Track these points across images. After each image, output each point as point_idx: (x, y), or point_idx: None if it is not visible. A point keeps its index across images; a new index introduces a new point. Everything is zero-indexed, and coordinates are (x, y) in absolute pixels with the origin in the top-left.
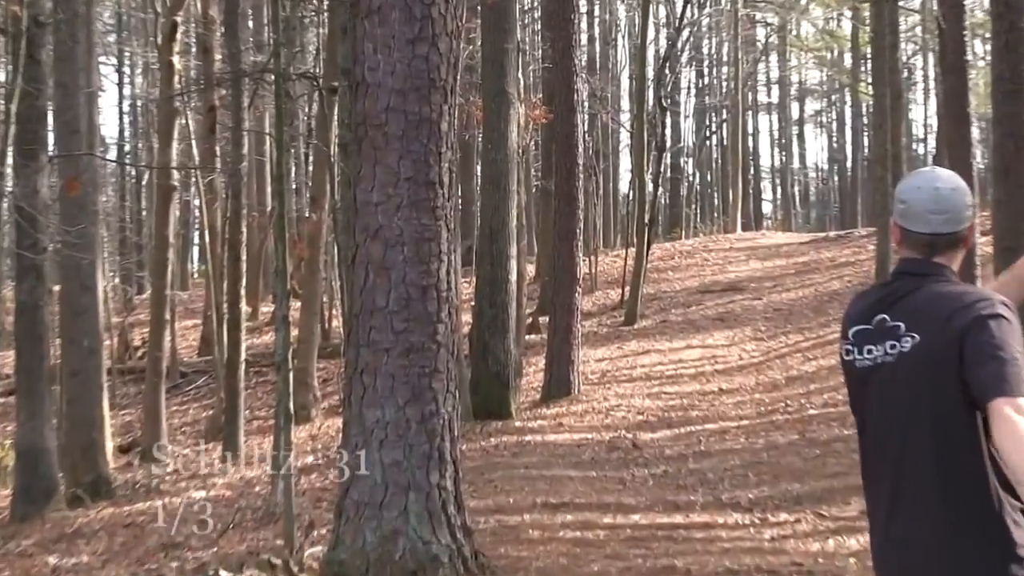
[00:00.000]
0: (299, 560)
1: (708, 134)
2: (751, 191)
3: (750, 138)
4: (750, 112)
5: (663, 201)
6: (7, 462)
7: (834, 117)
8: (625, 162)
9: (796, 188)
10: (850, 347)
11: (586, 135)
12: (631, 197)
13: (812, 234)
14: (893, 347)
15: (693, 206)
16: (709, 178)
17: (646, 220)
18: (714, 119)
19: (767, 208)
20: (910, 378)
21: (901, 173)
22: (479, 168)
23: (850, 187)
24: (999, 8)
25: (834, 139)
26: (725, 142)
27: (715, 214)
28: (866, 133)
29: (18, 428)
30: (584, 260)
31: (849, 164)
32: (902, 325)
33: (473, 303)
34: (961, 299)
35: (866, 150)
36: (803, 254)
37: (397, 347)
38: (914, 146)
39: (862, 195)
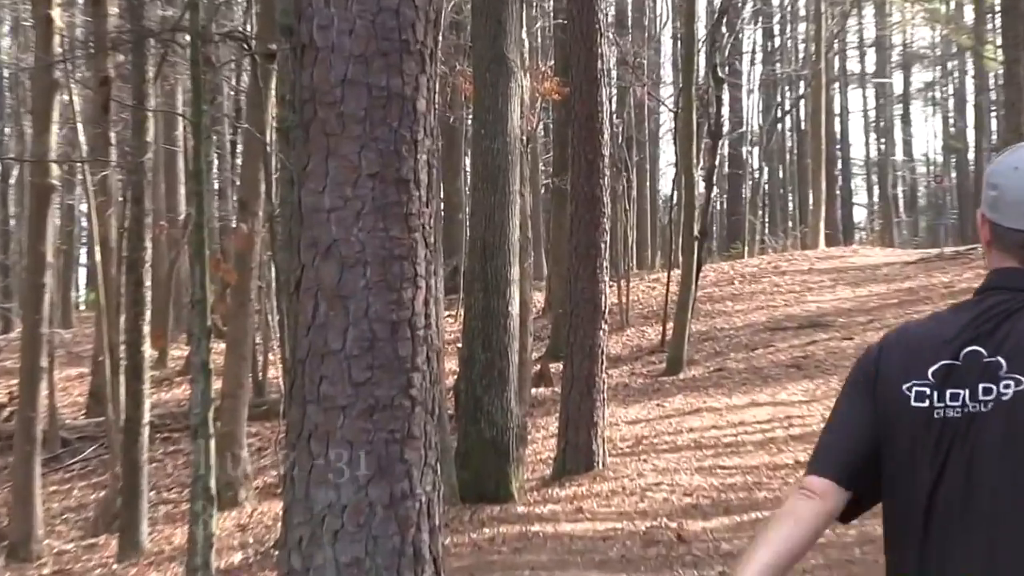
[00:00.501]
0: None
1: (779, 115)
2: (838, 192)
3: (836, 120)
4: (836, 85)
5: (719, 206)
6: None
7: (951, 92)
8: (668, 153)
9: (899, 188)
10: (928, 389)
11: (614, 116)
12: (675, 201)
13: (921, 251)
14: (989, 391)
15: (759, 212)
16: (781, 174)
17: (695, 232)
18: (788, 95)
19: (860, 215)
20: (1011, 437)
21: None
22: (468, 161)
23: (973, 186)
24: None
25: (951, 121)
26: (803, 126)
27: (789, 223)
28: (994, 113)
29: None
30: (611, 286)
31: (971, 155)
32: (1003, 363)
33: (460, 345)
34: None
35: (994, 135)
36: (908, 278)
37: (357, 404)
38: None
39: None
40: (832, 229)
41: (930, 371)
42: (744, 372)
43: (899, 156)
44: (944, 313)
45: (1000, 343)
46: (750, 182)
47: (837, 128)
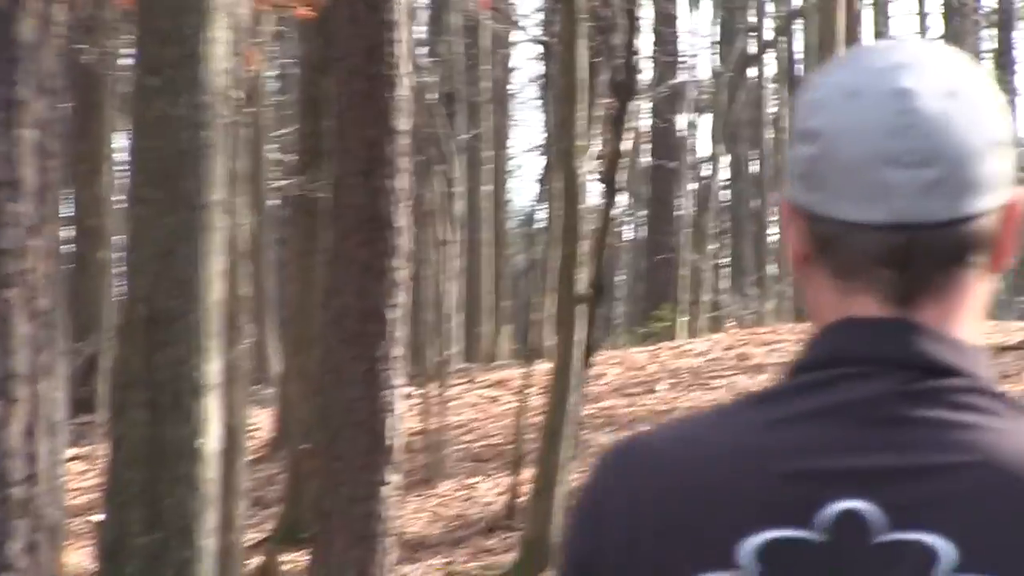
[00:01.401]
0: None
1: (753, 52)
2: None
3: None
4: None
5: (633, 233)
6: None
7: None
8: (532, 127)
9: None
10: None
11: (418, 51)
12: (545, 223)
13: None
14: None
15: (712, 246)
16: (755, 169)
17: (585, 286)
18: (768, 11)
19: None
20: None
21: None
22: (119, 143)
23: None
24: None
25: None
26: (799, 71)
27: (769, 267)
28: None
29: None
30: (411, 396)
31: None
32: (945, 550)
33: (100, 518)
34: None
35: None
36: (1007, 378)
37: None
38: None
39: None
40: None
41: (740, 548)
42: None
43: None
44: (736, 411)
45: (925, 499)
46: (693, 186)
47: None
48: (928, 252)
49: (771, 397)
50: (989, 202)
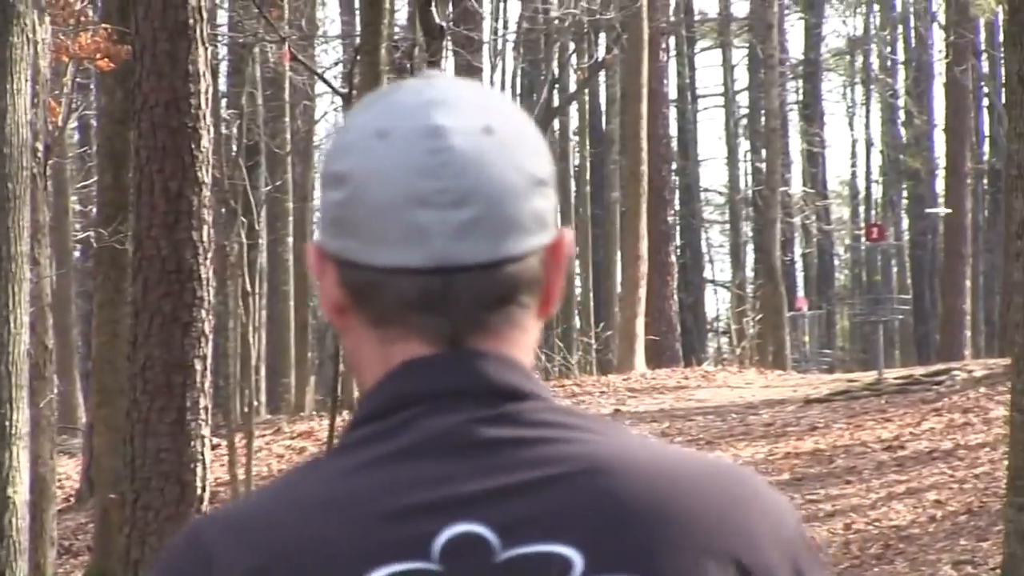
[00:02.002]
0: None
1: (550, 100)
2: (673, 259)
3: (674, 118)
4: (673, 44)
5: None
6: None
7: (899, 56)
8: None
9: (795, 251)
10: None
11: (223, 102)
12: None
13: (838, 377)
14: None
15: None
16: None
17: None
18: (567, 61)
19: (717, 307)
20: None
21: None
22: None
23: (948, 242)
24: None
25: (900, 113)
26: (605, 124)
27: (575, 320)
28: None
29: None
30: (218, 445)
31: (941, 183)
32: (567, 552)
33: None
34: (708, 473)
35: (986, 142)
36: (814, 430)
37: None
38: None
39: None
40: (663, 334)
41: None
42: None
43: (797, 187)
44: (315, 468)
45: (539, 513)
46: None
47: (674, 131)
48: (469, 295)
49: (350, 448)
50: (532, 242)
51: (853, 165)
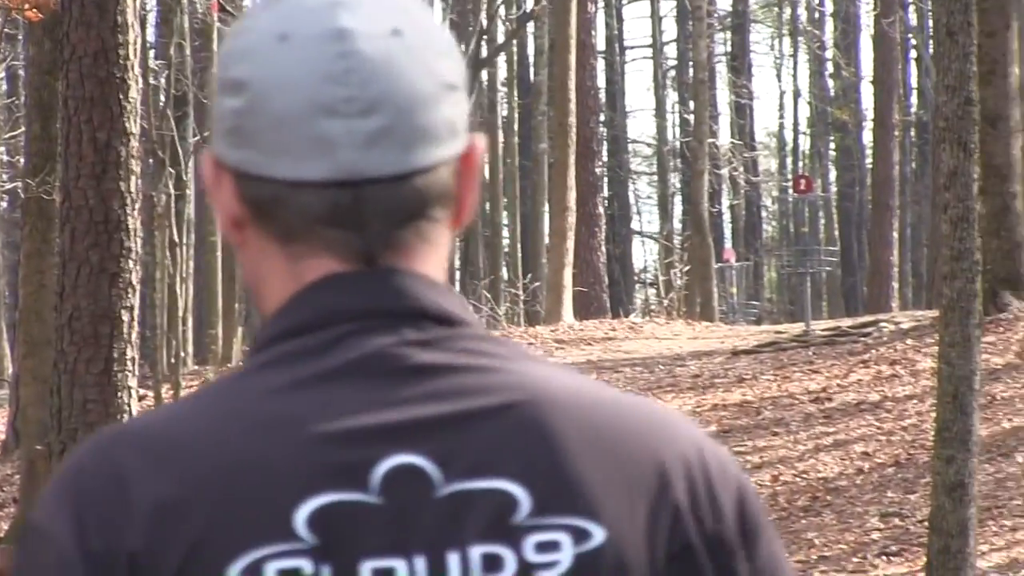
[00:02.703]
0: None
1: (477, 53)
2: (601, 210)
3: (601, 68)
4: None
5: None
6: None
7: (827, 6)
8: None
9: (723, 203)
10: (299, 562)
11: (151, 51)
12: None
13: (766, 329)
14: (497, 564)
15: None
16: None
17: None
18: (496, 12)
19: (646, 258)
20: None
21: None
22: None
23: (875, 196)
24: None
25: (827, 64)
26: (533, 75)
27: (502, 271)
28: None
29: None
30: (150, 397)
31: (868, 135)
32: (519, 494)
33: None
34: (636, 407)
35: (918, 95)
36: (741, 382)
37: None
38: None
39: None
40: (591, 285)
41: (297, 518)
42: None
43: (725, 139)
44: (238, 383)
45: (481, 446)
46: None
47: (602, 82)
48: (381, 209)
49: (276, 363)
50: (444, 152)
51: (781, 117)
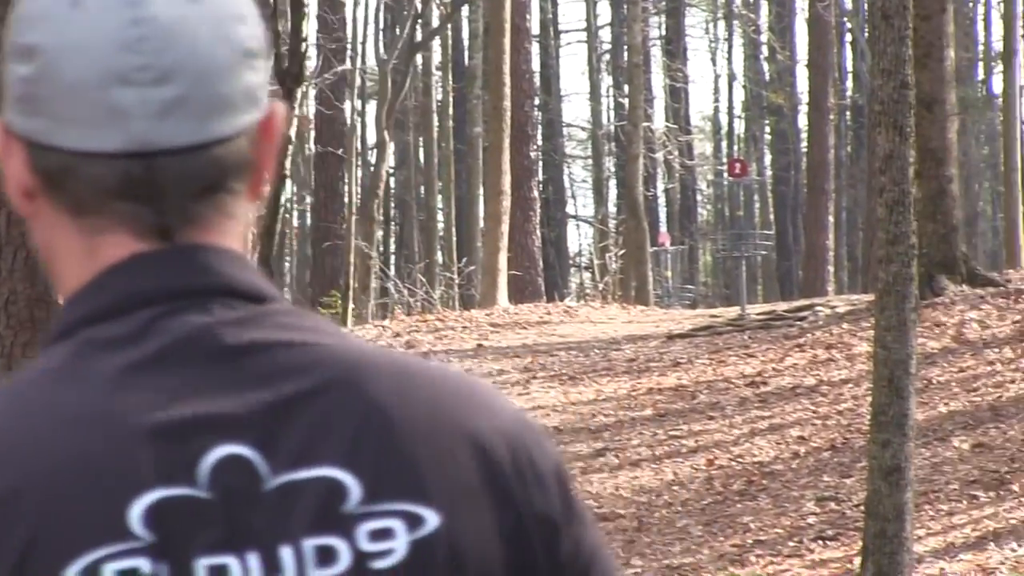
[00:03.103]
0: None
1: (423, 38)
2: (535, 193)
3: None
4: None
5: (304, 216)
6: None
7: None
8: None
9: (658, 186)
10: (136, 561)
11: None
12: None
13: (701, 312)
14: (331, 556)
15: (382, 231)
16: (417, 153)
17: None
18: None
19: (580, 241)
20: None
21: None
22: None
23: (810, 180)
24: None
25: (763, 48)
26: (481, 54)
27: (437, 254)
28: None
29: None
30: None
31: (803, 118)
32: (351, 483)
33: None
34: (471, 395)
35: (853, 76)
36: (676, 366)
37: None
38: None
39: None
40: (526, 269)
41: (131, 516)
42: None
43: (660, 122)
44: (46, 376)
45: (306, 432)
46: (360, 173)
47: (537, 66)
48: (176, 181)
49: (94, 350)
50: (242, 121)
51: (716, 101)
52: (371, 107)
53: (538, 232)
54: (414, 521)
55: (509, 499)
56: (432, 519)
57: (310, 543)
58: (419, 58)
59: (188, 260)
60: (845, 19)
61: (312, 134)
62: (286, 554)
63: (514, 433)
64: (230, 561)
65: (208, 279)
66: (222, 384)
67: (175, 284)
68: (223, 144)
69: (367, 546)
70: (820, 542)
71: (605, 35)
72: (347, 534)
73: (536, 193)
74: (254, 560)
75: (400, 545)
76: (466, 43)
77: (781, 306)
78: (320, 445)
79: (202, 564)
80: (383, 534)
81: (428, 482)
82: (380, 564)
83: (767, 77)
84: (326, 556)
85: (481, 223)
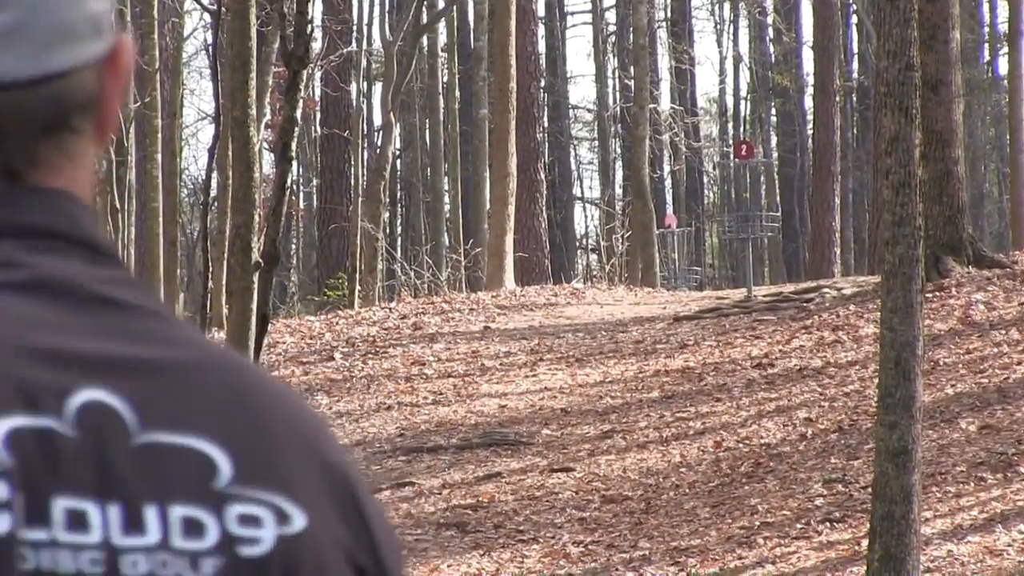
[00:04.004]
0: None
1: (429, 20)
2: (542, 176)
3: (541, 27)
4: None
5: (311, 200)
6: None
7: None
8: (201, 94)
9: (664, 168)
10: None
11: None
12: (213, 192)
13: (708, 295)
14: (197, 528)
15: (387, 214)
16: (424, 138)
17: (254, 256)
18: None
19: (587, 224)
20: None
21: None
22: None
23: (825, 160)
24: None
25: (769, 30)
26: (475, 41)
27: (444, 237)
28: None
29: None
30: None
31: (809, 100)
32: (220, 459)
33: None
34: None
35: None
36: (684, 348)
37: None
38: None
39: None
40: (532, 251)
41: None
42: None
43: (666, 104)
44: None
45: (177, 397)
46: (366, 156)
47: (542, 48)
48: (16, 119)
49: None
50: (85, 53)
51: (722, 82)
52: (377, 89)
53: (544, 214)
54: (282, 517)
55: (357, 522)
56: (299, 519)
57: (178, 511)
58: (425, 40)
59: (45, 203)
60: (851, 0)
61: (318, 116)
62: (151, 515)
63: (354, 478)
64: (89, 508)
65: (69, 226)
66: (95, 330)
67: (36, 222)
68: (65, 78)
69: (236, 529)
70: (827, 524)
71: (611, 16)
72: (217, 511)
73: (542, 175)
74: (115, 512)
75: (268, 536)
76: (472, 25)
77: (788, 288)
78: (192, 415)
79: (60, 504)
80: (252, 521)
81: (296, 483)
82: (248, 551)
83: (773, 59)
84: (193, 528)
85: (487, 205)
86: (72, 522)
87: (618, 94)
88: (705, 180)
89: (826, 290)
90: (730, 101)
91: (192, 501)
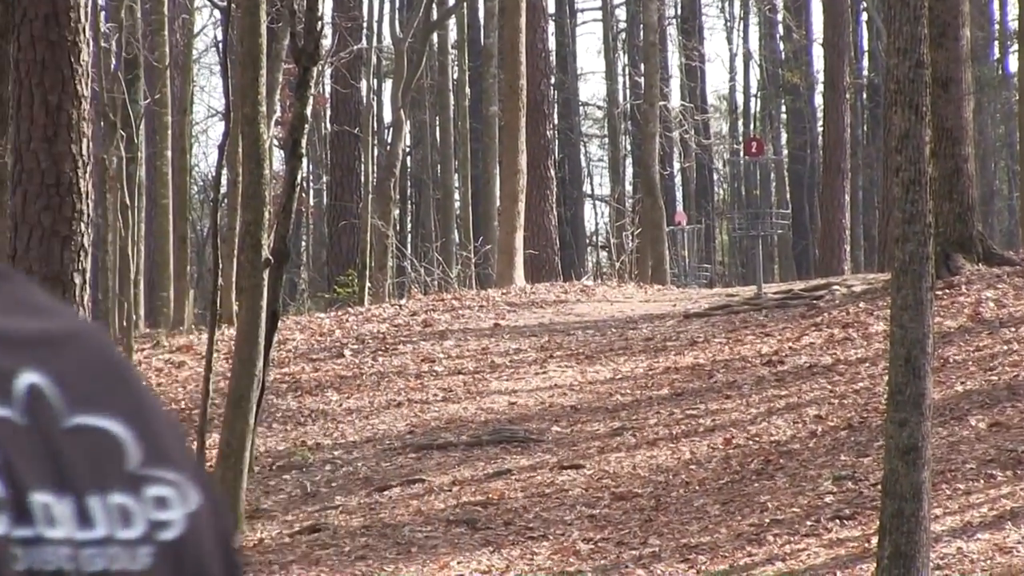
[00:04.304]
0: None
1: (439, 17)
2: (552, 172)
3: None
4: None
5: (321, 198)
6: None
7: None
8: (211, 90)
9: (674, 165)
10: None
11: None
12: (222, 189)
13: (717, 292)
14: (131, 518)
15: (397, 212)
16: (433, 136)
17: (264, 253)
18: None
19: (597, 222)
20: None
21: None
22: None
23: (829, 158)
24: None
25: (779, 27)
26: (485, 37)
27: (454, 234)
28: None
29: None
30: None
31: (819, 96)
32: (122, 434)
33: None
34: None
35: (868, 59)
36: (694, 344)
37: None
38: None
39: None
40: (542, 248)
41: None
42: (363, 537)
43: (676, 101)
44: None
45: (84, 375)
46: (377, 152)
47: (553, 45)
48: None
49: None
50: None
51: (732, 80)
52: (387, 86)
53: (554, 211)
54: (183, 494)
55: (213, 501)
56: (194, 495)
57: (113, 499)
58: (435, 37)
59: None
60: None
61: (328, 113)
62: (96, 506)
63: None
64: (52, 502)
65: None
66: (4, 304)
67: None
68: None
69: (153, 513)
70: (837, 521)
71: (621, 13)
72: (137, 496)
73: (552, 172)
74: (68, 507)
75: (178, 517)
76: (482, 22)
77: (798, 285)
78: (97, 393)
79: (37, 499)
80: (163, 503)
81: (179, 457)
82: (166, 535)
83: (783, 56)
84: (125, 517)
85: (498, 202)
86: (47, 517)
87: (628, 91)
88: (715, 177)
89: (836, 287)
90: (740, 98)
91: (119, 488)
